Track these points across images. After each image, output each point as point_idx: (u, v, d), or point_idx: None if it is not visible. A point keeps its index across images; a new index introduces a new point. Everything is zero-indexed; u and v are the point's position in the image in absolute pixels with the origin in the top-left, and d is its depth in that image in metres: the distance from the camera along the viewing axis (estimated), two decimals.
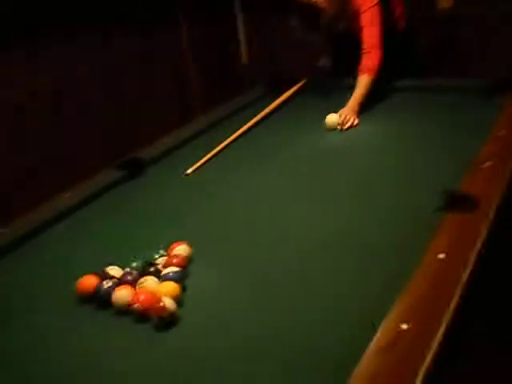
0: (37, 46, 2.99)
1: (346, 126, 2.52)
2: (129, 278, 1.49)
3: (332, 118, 2.46)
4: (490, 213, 1.58)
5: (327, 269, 1.52)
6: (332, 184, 2.01)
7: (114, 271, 1.52)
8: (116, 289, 1.44)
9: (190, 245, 1.61)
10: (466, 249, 1.43)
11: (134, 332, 1.37)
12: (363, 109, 2.62)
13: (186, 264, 1.55)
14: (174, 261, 1.53)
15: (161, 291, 1.41)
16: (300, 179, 2.09)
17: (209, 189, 2.08)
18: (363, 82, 2.67)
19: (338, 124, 2.50)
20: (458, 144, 2.11)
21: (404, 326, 1.18)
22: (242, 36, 4.40)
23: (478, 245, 1.45)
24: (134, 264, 1.54)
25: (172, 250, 1.58)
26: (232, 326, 1.34)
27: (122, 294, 1.42)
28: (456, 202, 1.62)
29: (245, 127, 2.56)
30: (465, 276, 1.33)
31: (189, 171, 2.22)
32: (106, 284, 1.47)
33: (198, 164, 2.26)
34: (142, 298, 1.39)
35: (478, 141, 2.01)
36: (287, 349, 1.25)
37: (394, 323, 1.19)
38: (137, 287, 1.45)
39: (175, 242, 1.61)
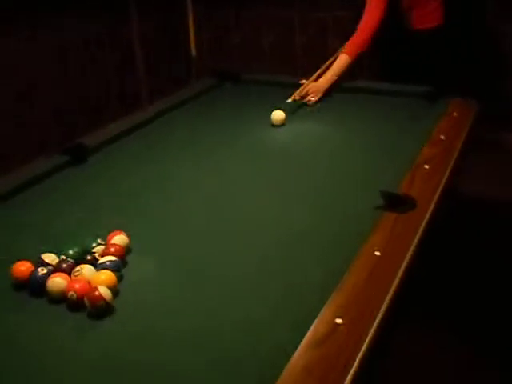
0: None
1: (306, 100, 2.61)
2: (64, 265, 1.45)
3: (277, 115, 2.47)
4: (427, 213, 1.63)
5: (264, 264, 1.52)
6: (276, 181, 2.01)
7: (50, 258, 1.49)
8: (51, 276, 1.41)
9: (129, 235, 1.59)
10: (401, 247, 1.47)
11: (67, 320, 1.34)
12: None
13: (123, 254, 1.53)
14: (112, 250, 1.51)
15: (97, 280, 1.38)
16: (247, 175, 2.09)
17: (150, 180, 2.06)
18: (341, 61, 2.76)
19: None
20: (401, 146, 2.15)
21: (338, 321, 1.20)
22: (191, 27, 4.37)
23: (414, 244, 1.49)
24: (71, 252, 1.51)
25: (110, 239, 1.56)
26: (165, 317, 1.34)
27: (57, 282, 1.39)
28: (394, 202, 1.65)
29: None
30: (399, 273, 1.37)
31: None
32: (41, 271, 1.43)
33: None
34: (77, 286, 1.37)
35: (419, 144, 2.06)
36: (217, 340, 1.25)
37: (329, 317, 1.21)
38: (72, 275, 1.43)
39: (113, 231, 1.59)
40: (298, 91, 2.67)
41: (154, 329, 1.30)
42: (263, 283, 1.43)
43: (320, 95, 2.68)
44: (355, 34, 2.84)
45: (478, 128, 2.35)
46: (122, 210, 1.84)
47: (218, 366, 1.17)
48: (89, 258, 1.49)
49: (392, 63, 3.20)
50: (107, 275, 1.40)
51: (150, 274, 1.51)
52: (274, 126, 2.47)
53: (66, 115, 3.46)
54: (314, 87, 2.70)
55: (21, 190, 1.94)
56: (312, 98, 2.66)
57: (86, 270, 1.43)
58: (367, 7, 2.83)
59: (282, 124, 2.47)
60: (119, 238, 1.56)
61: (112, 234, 1.57)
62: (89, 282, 1.38)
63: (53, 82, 3.36)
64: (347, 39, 2.88)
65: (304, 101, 2.63)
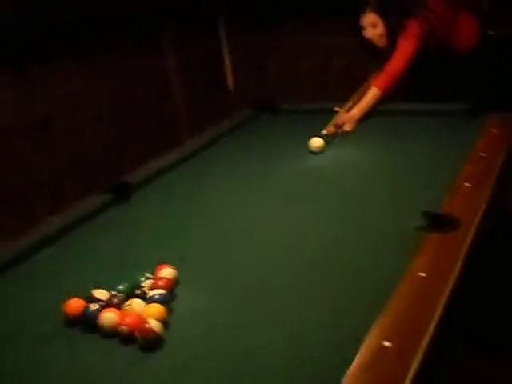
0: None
1: (343, 129, 2.67)
2: (115, 300, 1.49)
3: (315, 142, 2.50)
4: (470, 232, 1.62)
5: (312, 285, 1.54)
6: (318, 205, 2.04)
7: (101, 294, 1.53)
8: (102, 311, 1.45)
9: (176, 267, 1.62)
10: (446, 268, 1.46)
11: (120, 354, 1.38)
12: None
13: (172, 286, 1.56)
14: (160, 283, 1.54)
15: (147, 313, 1.42)
16: (286, 200, 2.12)
17: (194, 213, 2.10)
18: (372, 93, 2.82)
19: (327, 137, 2.58)
20: (441, 165, 2.15)
21: (386, 344, 1.20)
22: (227, 62, 4.46)
23: (459, 264, 1.48)
24: (121, 287, 1.55)
25: (158, 272, 1.60)
26: (215, 348, 1.35)
27: (109, 317, 1.43)
28: (437, 222, 1.65)
29: None
30: (445, 294, 1.36)
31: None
32: (93, 307, 1.47)
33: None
34: (127, 320, 1.40)
35: (459, 162, 2.06)
36: (272, 370, 1.25)
37: (376, 340, 1.22)
38: (123, 309, 1.46)
39: (161, 264, 1.62)
40: (332, 122, 2.70)
41: (204, 360, 1.32)
42: (307, 308, 1.45)
43: (354, 125, 2.72)
44: (388, 69, 2.86)
45: None
46: (168, 244, 1.88)
47: None
48: (138, 292, 1.53)
49: (429, 83, 3.21)
50: (156, 308, 1.43)
51: (199, 304, 1.54)
52: (312, 153, 2.49)
53: (110, 153, 3.55)
54: (347, 117, 2.75)
55: (68, 231, 2.00)
56: (348, 128, 2.70)
57: (136, 303, 1.47)
58: (402, 42, 2.85)
59: (321, 151, 2.50)
60: (167, 271, 1.60)
61: (159, 267, 1.61)
62: (139, 316, 1.41)
63: (92, 123, 3.45)
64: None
65: (339, 131, 2.66)
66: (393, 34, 2.88)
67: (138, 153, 3.63)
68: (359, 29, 2.96)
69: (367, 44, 2.97)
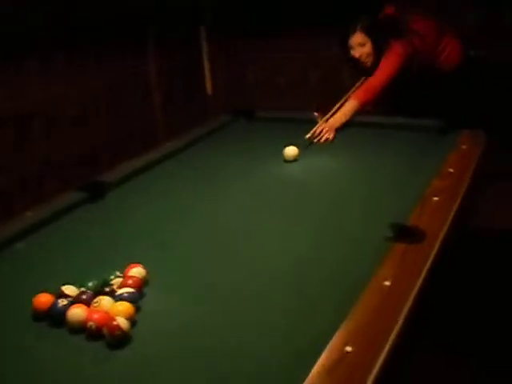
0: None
1: (322, 140, 2.74)
2: (84, 297, 1.51)
3: (289, 150, 2.53)
4: (435, 245, 1.66)
5: (281, 290, 1.57)
6: (291, 210, 2.08)
7: (70, 290, 1.54)
8: (71, 307, 1.46)
9: (146, 268, 1.64)
10: (410, 277, 1.50)
11: (86, 350, 1.39)
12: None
13: (141, 285, 1.58)
14: (130, 282, 1.56)
15: (115, 311, 1.43)
16: (261, 205, 2.15)
17: (167, 214, 2.12)
18: (350, 105, 2.91)
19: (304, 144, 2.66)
20: (410, 179, 2.19)
21: (348, 349, 1.24)
22: (206, 66, 4.49)
23: (422, 274, 1.52)
24: (90, 284, 1.56)
25: (128, 271, 1.62)
26: (181, 346, 1.38)
27: (77, 312, 1.44)
28: (403, 233, 1.69)
29: None
30: (408, 302, 1.40)
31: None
32: (61, 302, 1.49)
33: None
34: (95, 316, 1.42)
35: (428, 177, 2.11)
36: (231, 361, 1.29)
37: (338, 345, 1.25)
38: (91, 306, 1.48)
39: (131, 264, 1.64)
40: (313, 130, 2.75)
41: (170, 357, 1.34)
42: (275, 310, 1.48)
43: (333, 134, 2.78)
44: (368, 83, 2.98)
45: (490, 159, 2.39)
46: (139, 244, 1.90)
47: None
48: (107, 289, 1.54)
49: (407, 98, 3.28)
50: (125, 306, 1.45)
51: (167, 304, 1.56)
52: (286, 161, 2.53)
53: (89, 154, 3.56)
54: (327, 126, 2.79)
55: (41, 225, 2.01)
56: (329, 137, 2.77)
57: (105, 301, 1.48)
58: (385, 60, 2.97)
59: (295, 159, 2.53)
60: (137, 271, 1.61)
61: (130, 266, 1.63)
62: (107, 313, 1.43)
63: (72, 122, 3.46)
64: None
65: (321, 140, 2.74)
66: (379, 53, 2.97)
67: (115, 153, 3.65)
68: (347, 47, 3.06)
69: (355, 62, 3.07)
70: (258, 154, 2.67)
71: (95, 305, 1.47)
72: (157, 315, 1.51)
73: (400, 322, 1.34)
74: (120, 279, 1.58)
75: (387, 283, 1.47)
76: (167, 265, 1.76)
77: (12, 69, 3.05)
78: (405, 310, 1.38)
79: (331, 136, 2.78)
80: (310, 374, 1.18)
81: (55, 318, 1.48)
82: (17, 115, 3.12)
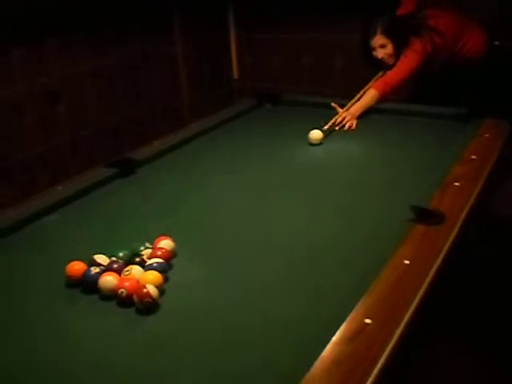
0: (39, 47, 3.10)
1: (346, 127, 2.79)
2: (115, 265, 1.58)
3: (314, 134, 2.59)
4: (455, 228, 1.71)
5: (304, 266, 1.64)
6: (314, 192, 2.14)
7: (101, 259, 1.61)
8: (102, 275, 1.54)
9: (174, 240, 1.71)
10: (429, 257, 1.56)
11: (116, 315, 1.46)
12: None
13: (169, 257, 1.65)
14: (159, 253, 1.63)
15: (145, 279, 1.50)
16: (284, 186, 2.21)
17: (193, 191, 2.19)
18: (371, 95, 2.96)
19: (329, 128, 2.71)
20: (433, 165, 2.23)
21: (368, 321, 1.30)
22: (233, 49, 4.54)
23: (441, 255, 1.57)
24: (121, 254, 1.64)
25: (157, 243, 1.69)
26: (207, 316, 1.44)
27: (108, 280, 1.52)
28: (424, 215, 1.74)
29: None
30: (426, 281, 1.46)
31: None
32: (94, 270, 1.56)
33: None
34: (126, 284, 1.49)
35: (451, 162, 2.16)
36: (254, 337, 1.35)
37: (359, 317, 1.31)
38: (122, 275, 1.55)
39: (160, 236, 1.71)
40: (333, 119, 2.80)
41: (195, 326, 1.41)
42: (299, 287, 1.54)
43: (354, 122, 2.84)
44: (389, 74, 3.02)
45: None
46: (168, 217, 1.97)
47: (254, 357, 1.28)
48: (137, 259, 1.61)
49: (427, 85, 3.31)
50: (154, 275, 1.52)
51: (194, 275, 1.63)
52: (311, 144, 2.58)
53: (113, 132, 3.63)
54: (349, 115, 2.85)
55: (74, 199, 2.09)
56: (352, 124, 2.82)
57: (135, 270, 1.55)
58: (404, 58, 3.00)
59: (319, 143, 2.58)
60: (166, 243, 1.68)
61: (159, 238, 1.70)
62: (137, 281, 1.50)
63: (100, 101, 3.53)
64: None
65: (344, 127, 2.80)
66: (399, 53, 3.01)
67: (142, 134, 3.72)
68: (367, 49, 3.12)
69: (376, 61, 3.12)
70: (282, 138, 2.72)
71: (126, 273, 1.54)
72: (184, 285, 1.58)
73: (417, 299, 1.39)
74: (150, 250, 1.65)
75: (407, 262, 1.53)
76: (195, 238, 1.83)
77: (37, 46, 3.11)
78: (422, 289, 1.43)
79: (354, 123, 2.82)
80: (330, 343, 1.24)
81: (87, 284, 1.55)
82: (46, 91, 3.20)
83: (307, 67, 4.42)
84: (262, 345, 1.32)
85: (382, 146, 2.57)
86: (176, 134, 2.78)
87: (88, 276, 1.55)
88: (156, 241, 1.69)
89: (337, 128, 2.79)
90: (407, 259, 1.53)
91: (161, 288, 1.51)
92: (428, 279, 1.47)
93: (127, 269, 1.56)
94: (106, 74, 3.55)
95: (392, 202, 1.98)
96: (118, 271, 1.56)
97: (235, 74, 4.59)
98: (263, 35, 4.49)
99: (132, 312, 1.46)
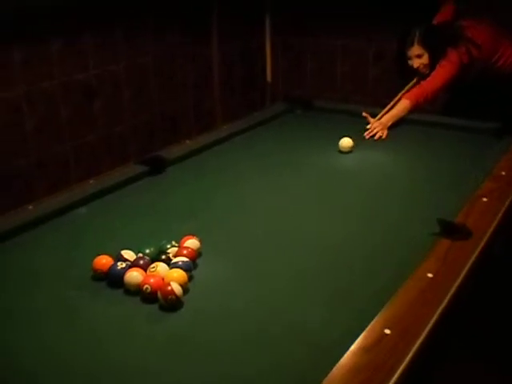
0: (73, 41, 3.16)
1: (376, 137, 2.81)
2: (141, 262, 1.61)
3: (345, 142, 2.59)
4: (480, 244, 1.70)
5: (328, 271, 1.66)
6: (341, 199, 2.16)
7: (128, 255, 1.65)
8: (128, 270, 1.57)
9: (200, 240, 1.73)
10: (453, 272, 1.55)
11: (140, 311, 1.49)
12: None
13: (194, 256, 1.68)
14: (185, 252, 1.65)
15: (170, 277, 1.53)
16: (311, 191, 2.24)
17: (221, 193, 2.22)
18: (403, 105, 2.97)
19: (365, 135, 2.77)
20: (462, 179, 2.22)
21: (387, 331, 1.31)
22: (268, 54, 4.57)
23: (465, 269, 1.57)
24: (148, 250, 1.67)
25: (183, 242, 1.71)
26: (228, 316, 1.47)
27: (134, 275, 1.55)
28: (450, 229, 1.74)
29: None
30: (448, 295, 1.45)
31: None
32: (120, 265, 1.59)
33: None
34: (152, 280, 1.52)
35: (480, 177, 2.15)
36: (273, 341, 1.37)
37: (378, 327, 1.32)
38: (148, 271, 1.58)
39: (187, 235, 1.74)
40: (369, 129, 2.82)
41: (218, 323, 1.44)
42: (321, 291, 1.57)
43: (385, 132, 2.85)
44: (424, 84, 3.00)
45: None
46: (195, 217, 2.01)
47: (270, 360, 1.30)
48: (163, 257, 1.64)
49: (460, 98, 3.29)
50: (179, 273, 1.55)
51: (218, 275, 1.66)
52: (341, 152, 2.59)
53: (144, 129, 3.68)
54: (380, 125, 2.85)
55: (104, 194, 2.14)
56: (382, 134, 2.83)
57: (161, 267, 1.58)
58: (439, 68, 2.99)
59: (350, 151, 2.59)
60: (191, 242, 1.71)
61: (185, 238, 1.72)
62: (162, 278, 1.53)
63: (134, 99, 3.58)
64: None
65: (375, 137, 2.82)
66: (435, 63, 3.00)
67: (174, 133, 3.77)
68: (404, 58, 3.11)
69: (410, 71, 3.11)
70: (312, 143, 2.74)
71: (152, 270, 1.57)
72: (208, 284, 1.61)
73: (438, 313, 1.39)
74: (176, 248, 1.68)
75: (430, 275, 1.53)
76: (221, 238, 1.86)
77: (75, 41, 3.17)
78: (443, 303, 1.43)
79: (384, 133, 2.83)
80: (349, 351, 1.25)
81: (113, 278, 1.58)
82: (83, 87, 3.26)
83: (341, 74, 4.43)
84: (279, 349, 1.34)
85: (412, 158, 2.57)
86: (208, 134, 2.82)
87: (114, 270, 1.59)
88: (182, 240, 1.72)
89: (367, 137, 2.80)
90: (431, 273, 1.54)
91: (185, 286, 1.53)
92: (450, 294, 1.46)
93: (153, 265, 1.59)
94: (143, 72, 3.61)
95: (418, 214, 1.99)
96: (144, 267, 1.59)
97: (269, 79, 4.62)
98: (299, 40, 4.50)
99: (155, 309, 1.49)
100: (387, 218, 1.99)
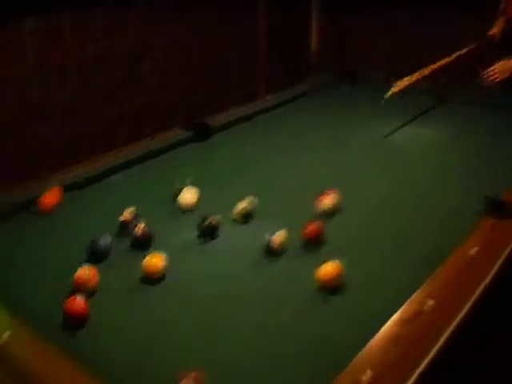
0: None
1: (490, 79, 2.62)
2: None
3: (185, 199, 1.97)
4: None
5: (375, 242, 1.70)
6: (389, 175, 2.15)
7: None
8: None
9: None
10: (497, 248, 1.55)
11: None
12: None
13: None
14: None
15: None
16: (351, 164, 2.25)
17: (262, 160, 2.26)
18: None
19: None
20: None
21: (430, 302, 1.31)
22: (313, 23, 4.52)
23: (508, 250, 1.55)
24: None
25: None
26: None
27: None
28: (496, 207, 1.73)
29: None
30: (492, 272, 1.45)
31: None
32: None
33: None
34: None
35: None
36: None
37: (421, 297, 1.33)
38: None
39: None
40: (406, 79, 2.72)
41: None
42: (375, 256, 1.61)
43: (506, 75, 2.65)
44: None
45: None
46: (239, 182, 2.04)
47: (318, 328, 1.33)
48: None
49: None
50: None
51: None
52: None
53: (191, 98, 3.69)
54: (500, 68, 2.65)
55: (153, 156, 2.20)
56: (497, 79, 2.66)
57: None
58: None
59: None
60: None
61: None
62: None
63: (180, 69, 3.60)
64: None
65: (490, 79, 2.64)
66: None
67: (218, 101, 3.76)
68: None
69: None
70: (358, 114, 2.73)
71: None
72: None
73: (481, 288, 1.39)
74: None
75: (473, 252, 1.52)
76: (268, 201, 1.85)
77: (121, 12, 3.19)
78: (487, 279, 1.42)
79: (498, 78, 2.64)
80: (390, 321, 1.26)
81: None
82: (131, 53, 3.28)
83: (385, 50, 4.35)
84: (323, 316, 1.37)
85: (466, 138, 2.50)
86: (251, 104, 2.82)
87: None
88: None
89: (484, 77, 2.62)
90: (474, 249, 1.53)
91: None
92: (494, 271, 1.46)
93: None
94: (189, 44, 3.61)
95: (467, 192, 1.95)
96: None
97: (314, 49, 4.58)
98: (346, 13, 4.44)
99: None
100: (437, 194, 1.98)
